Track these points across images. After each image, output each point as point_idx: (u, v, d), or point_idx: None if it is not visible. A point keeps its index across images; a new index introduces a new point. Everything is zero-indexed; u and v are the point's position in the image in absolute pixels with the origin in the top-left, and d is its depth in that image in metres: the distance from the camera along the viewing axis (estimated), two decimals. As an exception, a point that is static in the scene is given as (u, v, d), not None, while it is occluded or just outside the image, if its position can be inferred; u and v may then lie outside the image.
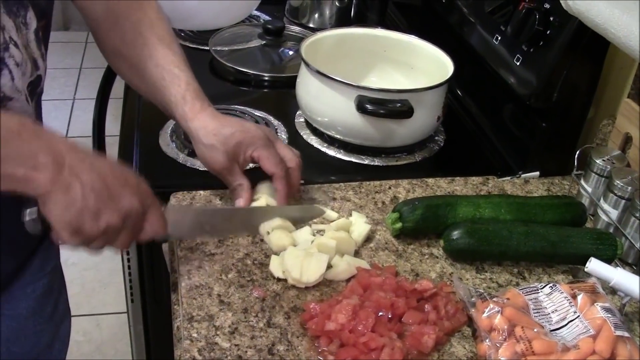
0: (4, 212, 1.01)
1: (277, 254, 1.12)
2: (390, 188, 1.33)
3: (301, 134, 1.49)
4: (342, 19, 2.02)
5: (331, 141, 1.46)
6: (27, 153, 0.84)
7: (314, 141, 1.47)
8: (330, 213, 1.23)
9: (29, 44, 0.98)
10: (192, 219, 1.15)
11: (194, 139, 1.18)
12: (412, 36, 1.58)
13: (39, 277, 1.17)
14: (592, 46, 1.28)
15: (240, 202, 1.19)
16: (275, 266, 1.10)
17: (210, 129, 1.15)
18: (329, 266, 1.10)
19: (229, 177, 1.18)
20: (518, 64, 1.38)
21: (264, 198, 1.19)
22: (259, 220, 1.17)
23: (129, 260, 1.39)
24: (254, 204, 1.18)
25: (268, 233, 1.16)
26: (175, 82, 1.15)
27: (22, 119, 0.86)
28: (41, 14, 1.01)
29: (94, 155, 0.92)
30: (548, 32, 1.31)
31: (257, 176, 1.20)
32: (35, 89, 1.03)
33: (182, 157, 1.36)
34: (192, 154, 1.36)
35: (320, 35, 1.54)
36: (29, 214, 0.93)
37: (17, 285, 1.13)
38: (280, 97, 1.68)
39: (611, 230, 1.23)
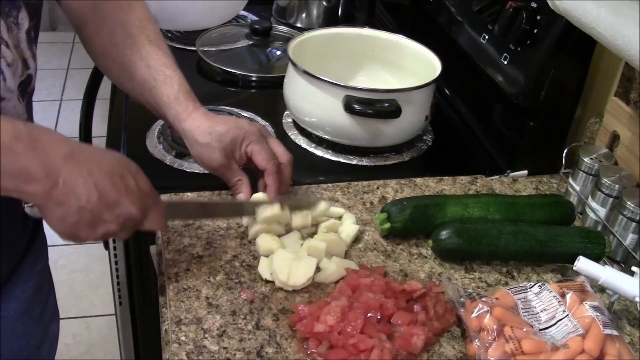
0: (2, 216, 1.01)
1: (266, 255, 1.12)
2: (378, 188, 1.33)
3: (289, 134, 1.48)
4: (330, 19, 2.02)
5: (319, 141, 1.45)
6: (18, 168, 0.84)
7: (301, 141, 1.46)
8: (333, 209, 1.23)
9: (19, 43, 0.98)
10: (183, 210, 1.16)
11: (188, 140, 1.18)
12: (400, 36, 1.57)
13: (28, 278, 1.16)
14: (579, 45, 1.28)
15: (242, 197, 1.19)
16: (264, 268, 1.09)
17: (204, 127, 1.15)
18: (318, 269, 1.10)
19: (227, 174, 1.19)
20: (506, 63, 1.38)
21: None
22: (249, 211, 1.18)
23: (116, 263, 1.39)
24: (254, 226, 1.17)
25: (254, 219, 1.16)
26: (167, 83, 1.15)
27: (16, 128, 0.84)
28: (33, 13, 1.01)
29: (94, 159, 0.91)
30: (535, 31, 1.31)
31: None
32: (26, 88, 1.02)
33: (169, 159, 1.35)
34: (180, 155, 1.36)
35: (307, 35, 1.54)
36: (29, 205, 0.95)
37: (7, 286, 1.12)
38: (267, 98, 1.67)
39: (599, 228, 1.23)
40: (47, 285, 1.25)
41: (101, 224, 0.92)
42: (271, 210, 1.15)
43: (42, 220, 1.15)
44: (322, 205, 1.20)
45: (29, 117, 1.07)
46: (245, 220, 1.19)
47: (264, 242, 1.13)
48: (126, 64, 1.16)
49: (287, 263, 1.07)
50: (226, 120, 1.18)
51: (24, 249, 1.15)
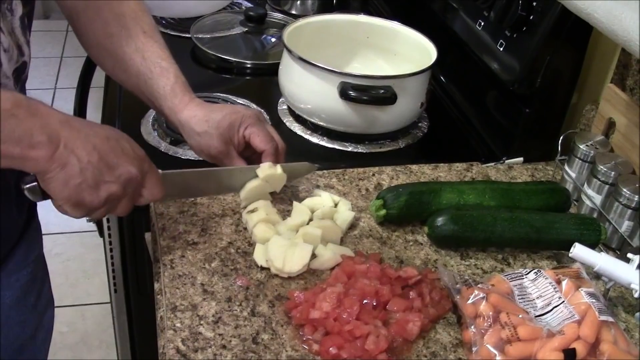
0: None
1: (262, 243, 1.12)
2: (374, 175, 1.33)
3: (284, 121, 1.48)
4: (325, 6, 2.01)
5: (314, 128, 1.45)
6: (22, 132, 0.85)
7: (297, 128, 1.46)
8: (324, 196, 1.23)
9: (13, 30, 0.98)
10: (178, 181, 1.15)
11: (184, 130, 1.18)
12: (395, 22, 1.57)
13: (23, 266, 1.16)
14: (575, 32, 1.27)
15: None
16: (259, 255, 1.09)
17: (201, 116, 1.16)
18: (314, 255, 1.10)
19: (226, 161, 1.19)
20: (501, 49, 1.37)
21: (262, 210, 1.16)
22: (242, 180, 1.17)
23: (111, 250, 1.39)
24: (251, 215, 1.16)
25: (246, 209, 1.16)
26: (163, 75, 1.16)
27: (15, 96, 0.86)
28: (27, 0, 1.00)
29: (89, 126, 0.93)
30: (531, 17, 1.31)
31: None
32: (20, 74, 1.02)
33: (164, 146, 1.35)
34: (174, 142, 1.36)
35: (302, 22, 1.53)
36: (27, 186, 0.95)
37: (2, 274, 1.12)
38: (262, 85, 1.67)
39: (595, 215, 1.23)
40: (41, 273, 1.24)
41: (103, 184, 0.93)
42: (272, 170, 1.15)
43: (36, 206, 1.15)
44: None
45: None
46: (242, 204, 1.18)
47: (260, 231, 1.12)
48: (120, 55, 1.16)
49: (282, 250, 1.07)
50: (222, 107, 1.19)
51: (18, 235, 1.15)
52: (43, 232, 1.22)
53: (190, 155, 1.32)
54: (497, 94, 1.48)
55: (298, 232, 1.13)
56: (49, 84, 4.06)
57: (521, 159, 1.42)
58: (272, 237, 1.10)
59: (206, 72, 1.70)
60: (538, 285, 1.02)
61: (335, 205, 1.21)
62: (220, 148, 1.16)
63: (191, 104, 1.17)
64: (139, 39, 1.16)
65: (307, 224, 1.15)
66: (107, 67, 1.22)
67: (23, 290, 1.16)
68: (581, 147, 1.27)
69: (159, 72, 1.16)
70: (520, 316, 0.96)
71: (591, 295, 0.98)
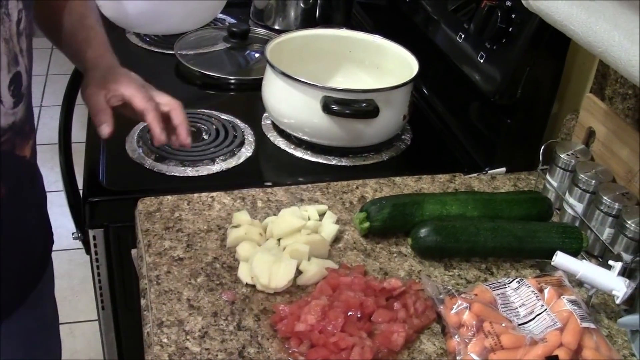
0: (9, 246, 1.01)
1: (246, 261, 1.12)
2: (357, 188, 1.33)
3: (268, 136, 1.49)
4: (307, 21, 2.02)
5: (298, 142, 1.46)
6: None
7: (281, 143, 1.47)
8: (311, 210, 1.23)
9: (11, 37, 0.95)
10: None
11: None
12: (377, 36, 1.58)
13: (35, 306, 1.16)
14: (554, 43, 1.29)
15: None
16: (244, 272, 1.09)
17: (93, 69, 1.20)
18: (300, 272, 1.10)
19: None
20: (482, 61, 1.39)
21: (243, 227, 1.16)
22: None
23: (98, 267, 1.39)
24: (233, 231, 1.16)
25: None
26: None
27: None
28: (24, 5, 0.98)
29: None
30: (510, 29, 1.32)
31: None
32: (18, 87, 1.00)
33: (149, 163, 1.35)
34: (160, 159, 1.36)
35: (285, 37, 1.54)
36: None
37: (13, 316, 1.11)
38: (246, 100, 1.67)
39: (577, 223, 1.24)
40: (51, 316, 1.25)
41: None
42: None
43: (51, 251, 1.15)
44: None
45: (26, 118, 1.07)
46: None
47: (244, 250, 1.12)
48: (52, 14, 1.22)
49: (267, 266, 1.07)
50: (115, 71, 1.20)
51: (36, 278, 1.16)
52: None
53: (175, 171, 1.33)
54: (479, 105, 1.49)
55: (285, 249, 1.13)
56: (35, 102, 4.01)
57: (504, 169, 1.43)
58: (256, 253, 1.10)
59: (190, 89, 1.70)
60: (521, 294, 1.03)
61: (322, 215, 1.22)
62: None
63: (104, 56, 1.20)
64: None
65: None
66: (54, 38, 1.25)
67: (32, 331, 1.17)
68: (562, 156, 1.28)
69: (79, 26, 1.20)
70: (503, 325, 0.97)
71: (573, 302, 1.00)
